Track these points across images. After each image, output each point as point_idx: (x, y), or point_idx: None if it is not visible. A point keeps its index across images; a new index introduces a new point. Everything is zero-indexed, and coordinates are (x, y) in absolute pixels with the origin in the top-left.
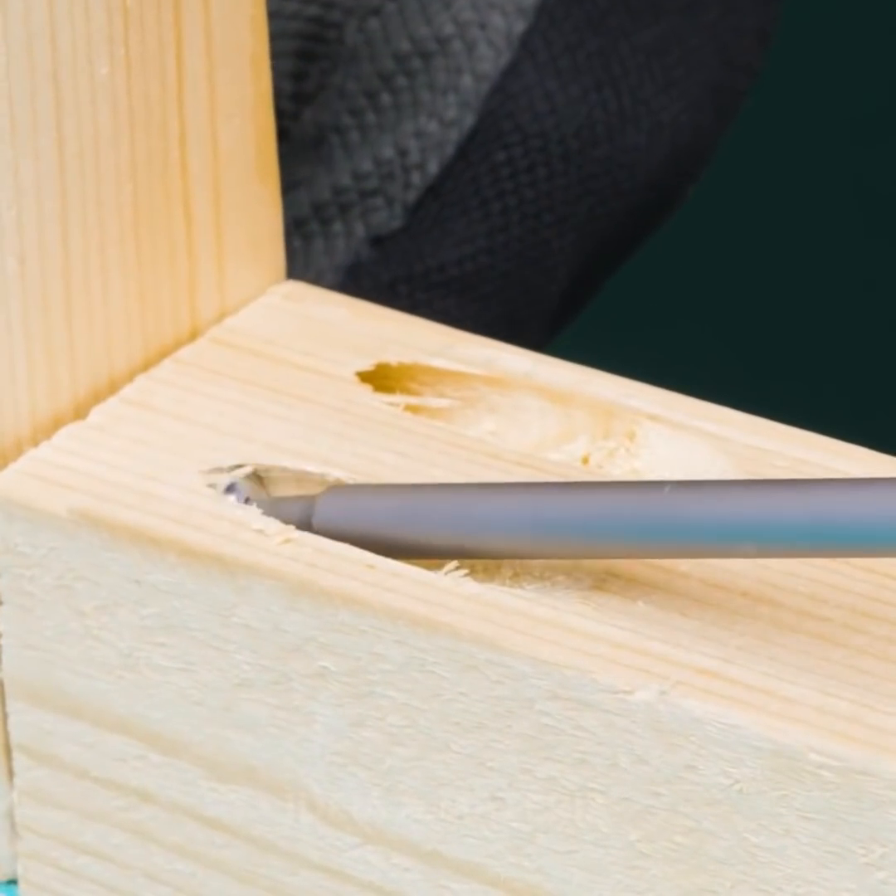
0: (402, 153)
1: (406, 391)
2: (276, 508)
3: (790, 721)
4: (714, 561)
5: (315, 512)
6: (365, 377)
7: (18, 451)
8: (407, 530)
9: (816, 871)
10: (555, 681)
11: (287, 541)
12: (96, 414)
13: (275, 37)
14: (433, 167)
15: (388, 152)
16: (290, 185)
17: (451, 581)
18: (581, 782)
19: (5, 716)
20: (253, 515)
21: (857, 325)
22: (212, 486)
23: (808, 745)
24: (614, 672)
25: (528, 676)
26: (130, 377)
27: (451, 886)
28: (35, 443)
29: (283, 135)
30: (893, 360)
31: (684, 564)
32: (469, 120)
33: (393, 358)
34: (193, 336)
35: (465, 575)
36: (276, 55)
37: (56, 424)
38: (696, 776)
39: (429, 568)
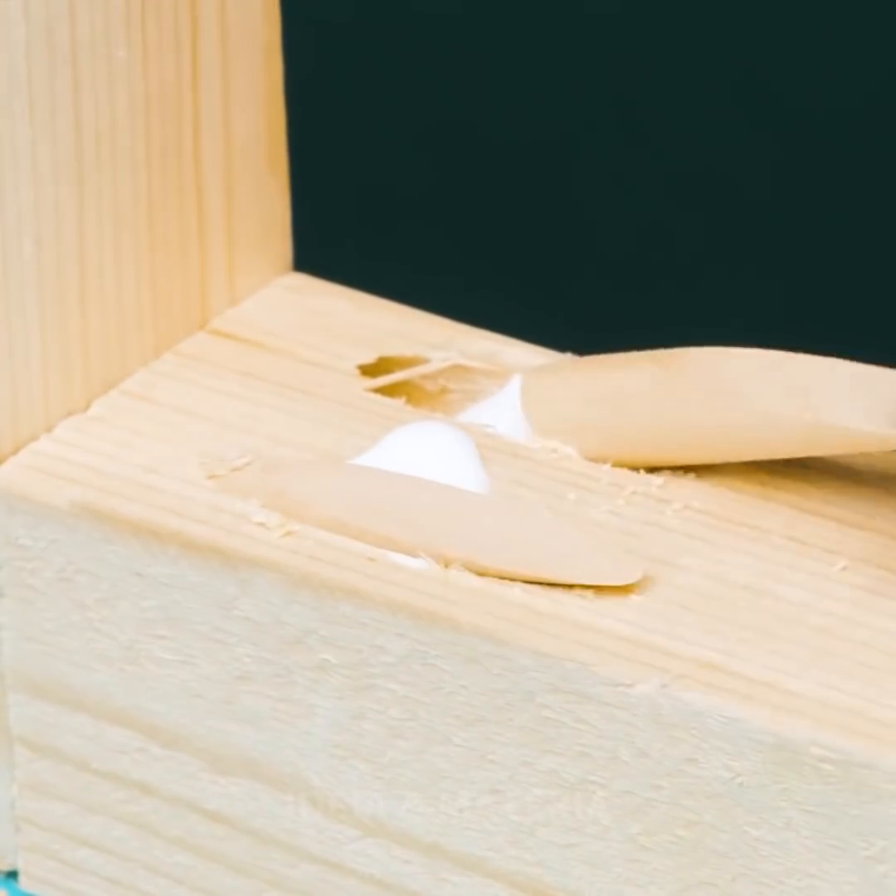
0: None
1: (407, 385)
2: None
3: (792, 714)
4: (716, 553)
5: None
6: (367, 370)
7: (32, 437)
8: None
9: (818, 865)
10: (556, 674)
11: (288, 533)
12: (97, 406)
13: None
14: None
15: None
16: None
17: (452, 574)
18: (582, 775)
19: (6, 708)
20: (254, 508)
21: (859, 316)
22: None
23: (810, 738)
24: (615, 665)
25: (529, 669)
26: (143, 364)
27: (452, 879)
28: (48, 429)
29: None
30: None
31: (685, 557)
32: None
33: (395, 351)
34: (203, 326)
35: None
36: None
37: (69, 411)
38: (698, 769)
39: None
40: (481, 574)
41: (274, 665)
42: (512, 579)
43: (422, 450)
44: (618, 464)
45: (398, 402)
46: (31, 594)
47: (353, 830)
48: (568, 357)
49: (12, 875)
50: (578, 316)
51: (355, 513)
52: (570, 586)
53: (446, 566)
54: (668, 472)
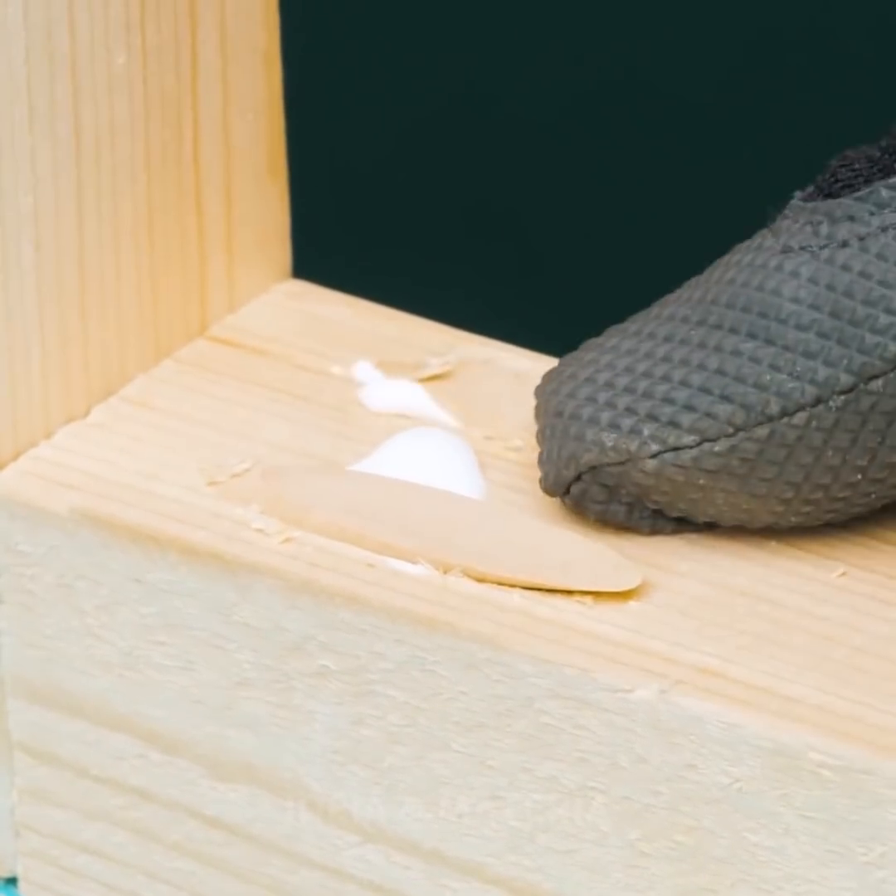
0: None
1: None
2: None
3: (790, 720)
4: (714, 560)
5: None
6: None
7: (32, 443)
8: None
9: (816, 870)
10: (554, 679)
11: (288, 540)
12: (97, 412)
13: None
14: None
15: None
16: None
17: (451, 580)
18: (581, 781)
19: (6, 714)
20: (253, 514)
21: None
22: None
23: (808, 743)
24: (614, 671)
25: (528, 675)
26: (142, 371)
27: (452, 885)
28: (48, 435)
29: None
30: None
31: (684, 564)
32: None
33: (394, 357)
34: (202, 332)
35: None
36: None
37: (69, 417)
38: (696, 775)
39: None
40: (480, 580)
41: (273, 671)
42: (511, 585)
43: (420, 456)
44: None
45: (396, 409)
46: (31, 600)
47: (352, 836)
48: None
49: (12, 881)
50: (577, 322)
51: (354, 519)
52: (569, 592)
53: (445, 572)
54: None
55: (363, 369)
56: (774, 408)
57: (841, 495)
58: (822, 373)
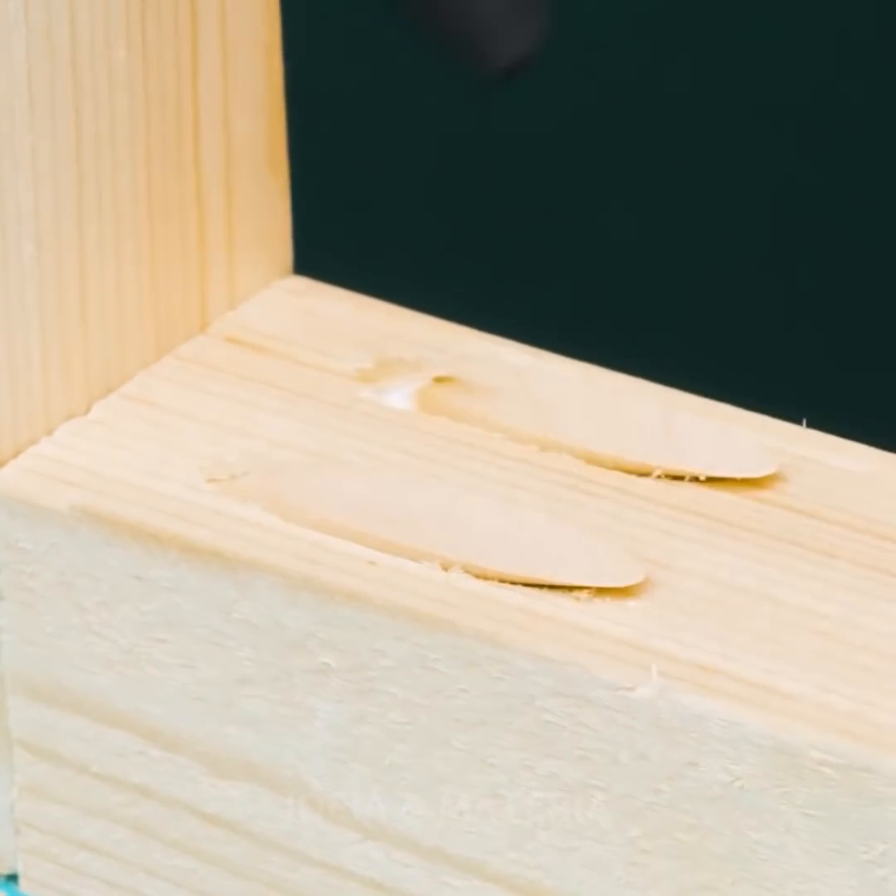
0: None
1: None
2: None
3: (791, 718)
4: (716, 556)
5: None
6: (366, 374)
7: (32, 440)
8: None
9: (817, 868)
10: (556, 677)
11: (288, 537)
12: (97, 409)
13: None
14: None
15: None
16: None
17: (452, 577)
18: (582, 779)
19: (6, 711)
20: (254, 511)
21: (856, 316)
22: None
23: (809, 741)
24: (615, 668)
25: (529, 673)
26: (143, 367)
27: (452, 883)
28: (48, 432)
29: None
30: (894, 355)
31: (685, 560)
32: None
33: (395, 353)
34: (203, 328)
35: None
36: None
37: (69, 414)
38: (698, 773)
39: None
40: (481, 577)
41: (274, 668)
42: (512, 582)
43: (422, 452)
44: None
45: (398, 405)
46: (32, 597)
47: (352, 833)
48: (566, 360)
49: (12, 878)
50: (578, 317)
51: (355, 516)
52: (571, 589)
53: (446, 569)
54: (667, 476)
55: (364, 365)
56: None
57: None
58: None
